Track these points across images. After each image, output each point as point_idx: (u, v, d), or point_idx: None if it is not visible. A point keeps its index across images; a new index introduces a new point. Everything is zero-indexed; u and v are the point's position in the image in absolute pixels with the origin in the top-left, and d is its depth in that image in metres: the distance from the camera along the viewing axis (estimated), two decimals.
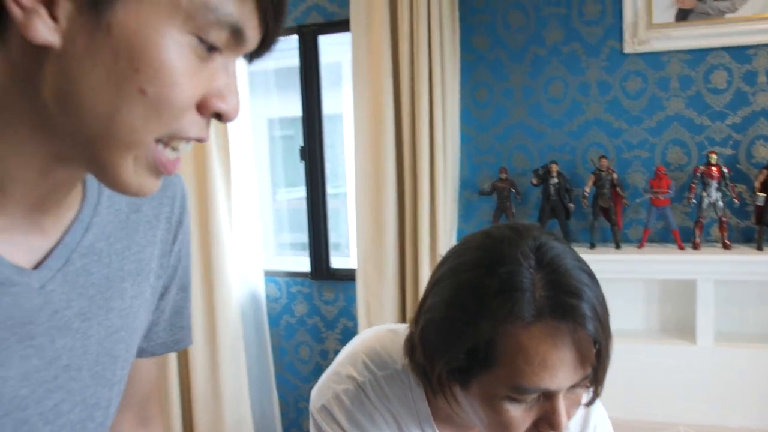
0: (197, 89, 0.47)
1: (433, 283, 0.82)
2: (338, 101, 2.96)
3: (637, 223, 2.32)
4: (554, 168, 2.24)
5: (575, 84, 2.34)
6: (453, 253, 0.83)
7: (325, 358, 2.80)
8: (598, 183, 2.22)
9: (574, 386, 0.75)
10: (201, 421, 2.70)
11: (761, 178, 2.09)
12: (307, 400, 0.98)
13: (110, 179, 0.49)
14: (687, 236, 2.22)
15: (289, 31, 2.67)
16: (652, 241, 2.29)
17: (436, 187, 2.36)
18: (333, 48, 2.77)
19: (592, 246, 2.24)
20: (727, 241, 2.12)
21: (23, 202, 0.51)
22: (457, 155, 2.45)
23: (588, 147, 2.35)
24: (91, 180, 0.59)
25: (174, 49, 0.45)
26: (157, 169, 0.50)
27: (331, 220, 2.86)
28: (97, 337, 0.59)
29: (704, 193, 2.13)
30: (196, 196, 2.67)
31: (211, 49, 0.47)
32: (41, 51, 0.44)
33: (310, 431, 0.96)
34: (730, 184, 2.11)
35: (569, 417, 0.77)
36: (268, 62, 3.12)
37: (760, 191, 2.08)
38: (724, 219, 2.13)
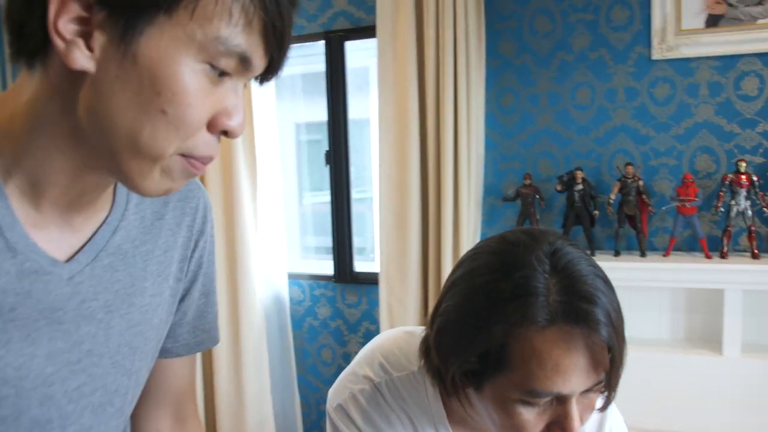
0: (209, 109, 0.54)
1: (449, 286, 0.83)
2: (366, 106, 2.99)
3: (663, 231, 2.30)
4: (579, 174, 2.23)
5: (602, 90, 2.33)
6: (469, 257, 0.83)
7: (348, 361, 2.81)
8: (623, 190, 2.20)
9: (587, 391, 0.75)
10: (224, 422, 2.74)
11: None
12: None
13: (134, 186, 0.56)
14: (715, 245, 2.18)
15: (315, 37, 2.71)
16: (678, 249, 2.26)
17: (460, 192, 2.36)
18: (361, 53, 2.80)
19: (617, 254, 2.22)
20: (756, 251, 2.08)
21: (58, 203, 0.59)
22: (481, 161, 2.45)
23: (614, 154, 2.33)
24: (121, 188, 0.66)
25: (189, 75, 0.51)
26: (186, 172, 0.56)
27: (357, 224, 2.88)
28: (119, 328, 0.65)
29: (733, 202, 2.09)
30: (222, 199, 2.71)
31: (222, 74, 0.54)
32: (78, 75, 0.52)
33: (326, 430, 0.97)
34: (760, 193, 2.08)
35: (582, 422, 0.77)
36: (296, 67, 3.16)
37: None
38: (753, 228, 2.09)
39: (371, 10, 2.54)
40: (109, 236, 0.64)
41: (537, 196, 2.32)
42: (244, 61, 0.54)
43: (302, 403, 2.90)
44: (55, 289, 0.59)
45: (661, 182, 2.28)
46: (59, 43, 0.50)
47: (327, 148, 2.80)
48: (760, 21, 2.12)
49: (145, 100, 0.51)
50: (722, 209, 2.12)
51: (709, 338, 2.18)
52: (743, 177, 2.07)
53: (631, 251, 2.29)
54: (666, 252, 2.19)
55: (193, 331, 0.80)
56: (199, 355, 2.72)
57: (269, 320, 2.82)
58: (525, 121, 2.44)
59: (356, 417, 0.91)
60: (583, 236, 2.27)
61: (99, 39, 0.50)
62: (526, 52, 2.42)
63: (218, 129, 0.55)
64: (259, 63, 0.55)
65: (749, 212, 2.08)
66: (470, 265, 0.81)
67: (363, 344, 2.74)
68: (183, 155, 0.55)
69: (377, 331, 2.66)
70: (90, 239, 0.63)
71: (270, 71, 0.58)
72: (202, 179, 2.70)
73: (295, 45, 3.14)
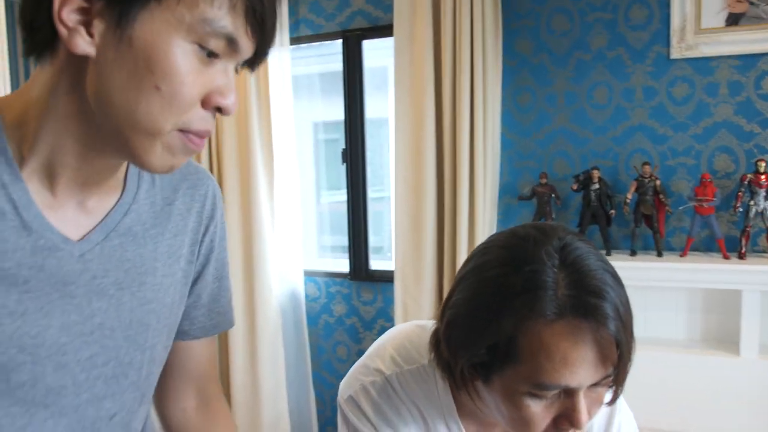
0: (201, 87, 0.59)
1: (459, 279, 0.84)
2: (385, 105, 3.00)
3: (680, 231, 2.28)
4: (596, 174, 2.22)
5: (620, 89, 2.32)
6: (479, 251, 0.84)
7: None
8: (640, 190, 2.19)
9: (595, 385, 0.75)
10: (239, 417, 2.77)
11: None
12: None
13: (140, 162, 0.61)
14: (733, 246, 2.16)
15: (333, 36, 2.73)
16: (695, 249, 2.24)
17: (476, 191, 2.36)
18: (380, 52, 2.81)
19: (633, 253, 2.21)
20: None
21: (71, 185, 0.64)
22: (497, 160, 2.45)
23: (631, 153, 2.32)
24: (132, 174, 0.72)
25: (180, 55, 0.56)
26: (186, 148, 0.61)
27: (375, 223, 2.89)
28: (130, 305, 0.70)
29: (752, 202, 2.07)
30: (240, 195, 2.74)
31: (211, 54, 0.58)
32: (82, 60, 0.57)
33: (337, 422, 0.99)
34: None
35: (590, 416, 0.77)
36: (314, 66, 3.18)
37: None
38: None
39: (389, 8, 2.55)
40: (120, 218, 0.69)
41: (553, 195, 2.32)
42: (231, 43, 0.58)
43: (317, 400, 2.92)
44: (66, 265, 0.64)
45: (678, 182, 2.27)
46: (63, 30, 0.55)
47: (343, 147, 2.81)
48: None
49: (141, 78, 0.56)
50: (741, 209, 2.10)
51: (726, 339, 2.16)
52: (763, 177, 2.05)
53: (647, 251, 2.27)
54: (683, 252, 2.18)
55: (208, 314, 0.85)
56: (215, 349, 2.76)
57: (285, 316, 2.84)
58: (542, 120, 2.44)
59: (367, 409, 0.92)
60: (599, 236, 2.26)
61: (98, 26, 0.56)
62: (543, 51, 2.41)
63: (211, 105, 0.60)
64: (246, 46, 0.60)
65: None
66: (480, 259, 0.82)
67: None
68: (181, 131, 0.60)
69: None
70: (102, 221, 0.68)
71: (257, 56, 0.62)
72: (220, 178, 2.73)
73: (313, 44, 3.14)
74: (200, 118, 0.60)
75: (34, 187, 0.62)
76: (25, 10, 0.58)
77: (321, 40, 2.77)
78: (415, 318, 2.49)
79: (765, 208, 2.06)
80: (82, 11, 0.56)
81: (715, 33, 2.17)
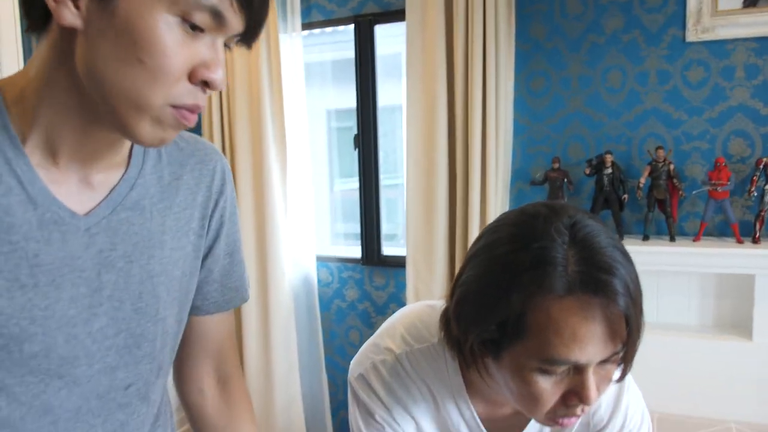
0: (186, 60, 0.59)
1: (469, 257, 0.84)
2: (398, 92, 2.99)
3: (693, 216, 2.26)
4: (609, 158, 2.21)
5: (634, 73, 2.30)
6: (489, 230, 0.84)
7: None
8: (653, 174, 2.17)
9: (604, 362, 0.75)
10: (253, 401, 2.79)
11: None
12: None
13: (130, 134, 0.62)
14: (747, 230, 2.14)
15: (345, 21, 2.72)
16: (709, 234, 2.22)
17: (488, 176, 2.36)
18: (393, 39, 2.80)
19: (646, 238, 2.20)
20: None
21: (73, 159, 0.65)
22: (509, 145, 2.44)
23: (645, 138, 2.30)
24: (137, 150, 0.72)
25: (164, 28, 0.56)
26: (177, 122, 0.61)
27: (389, 210, 2.89)
28: (139, 277, 0.71)
29: (767, 186, 2.05)
30: (252, 180, 2.76)
31: (195, 28, 0.58)
32: (72, 33, 0.58)
33: (348, 400, 1.00)
34: None
35: (599, 392, 0.77)
36: (326, 53, 3.17)
37: None
38: None
39: None
40: (126, 192, 0.70)
41: (565, 180, 2.31)
42: (217, 17, 0.58)
43: (330, 384, 2.94)
44: (72, 238, 0.65)
45: (692, 167, 2.25)
46: (51, 3, 0.56)
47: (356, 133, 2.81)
48: None
49: (125, 50, 0.57)
50: (755, 194, 2.08)
51: (739, 324, 2.14)
52: None
53: (660, 236, 2.26)
54: (696, 237, 2.16)
55: (221, 290, 0.86)
56: None
57: (298, 301, 2.86)
58: (555, 105, 2.42)
59: (377, 387, 0.93)
60: (611, 220, 2.25)
61: None
62: (557, 35, 2.39)
63: (198, 79, 0.60)
64: (234, 20, 0.59)
65: None
66: (490, 237, 0.82)
67: None
68: (173, 106, 0.60)
69: None
70: (108, 195, 0.69)
71: (248, 32, 0.62)
72: (233, 164, 2.75)
73: (325, 30, 3.12)
74: (189, 92, 0.60)
75: (37, 162, 0.63)
76: None
77: (333, 26, 2.77)
78: None
79: None
80: None
81: (732, 15, 2.14)
